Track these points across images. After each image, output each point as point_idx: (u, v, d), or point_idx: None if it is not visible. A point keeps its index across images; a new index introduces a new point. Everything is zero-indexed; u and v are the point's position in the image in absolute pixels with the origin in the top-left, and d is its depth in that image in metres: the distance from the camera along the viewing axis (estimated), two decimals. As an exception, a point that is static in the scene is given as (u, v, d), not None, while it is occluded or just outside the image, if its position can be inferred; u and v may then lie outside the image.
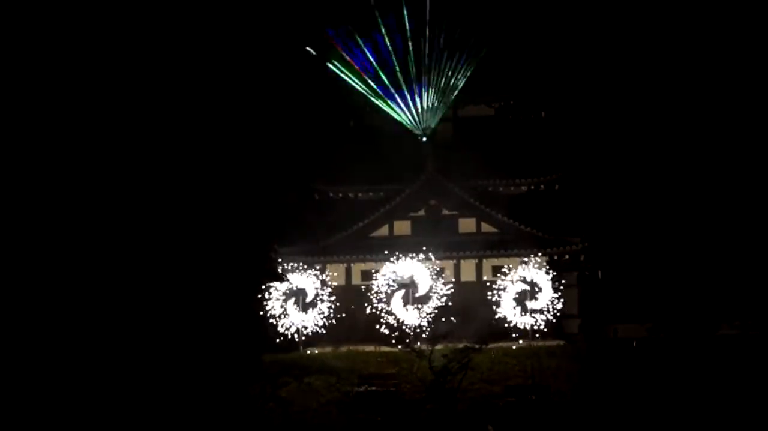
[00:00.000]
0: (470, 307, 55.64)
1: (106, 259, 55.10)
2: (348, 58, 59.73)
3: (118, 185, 58.03)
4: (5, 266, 52.32)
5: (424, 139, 60.67)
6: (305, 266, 56.33)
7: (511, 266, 55.91)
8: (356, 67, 59.69)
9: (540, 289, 54.66)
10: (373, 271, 56.95)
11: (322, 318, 55.53)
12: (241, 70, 65.02)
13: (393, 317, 55.04)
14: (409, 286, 55.21)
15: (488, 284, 56.02)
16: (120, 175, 58.60)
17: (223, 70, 64.86)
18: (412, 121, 60.10)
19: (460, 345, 50.50)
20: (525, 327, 54.63)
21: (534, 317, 54.68)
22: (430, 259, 55.77)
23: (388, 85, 59.68)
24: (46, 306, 51.92)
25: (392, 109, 60.04)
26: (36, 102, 58.78)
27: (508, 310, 54.69)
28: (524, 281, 54.88)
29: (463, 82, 59.91)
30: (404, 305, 55.04)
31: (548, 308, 54.59)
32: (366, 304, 55.66)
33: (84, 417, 45.30)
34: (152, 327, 52.66)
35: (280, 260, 57.13)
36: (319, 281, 56.05)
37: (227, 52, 65.28)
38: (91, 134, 59.43)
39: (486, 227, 59.22)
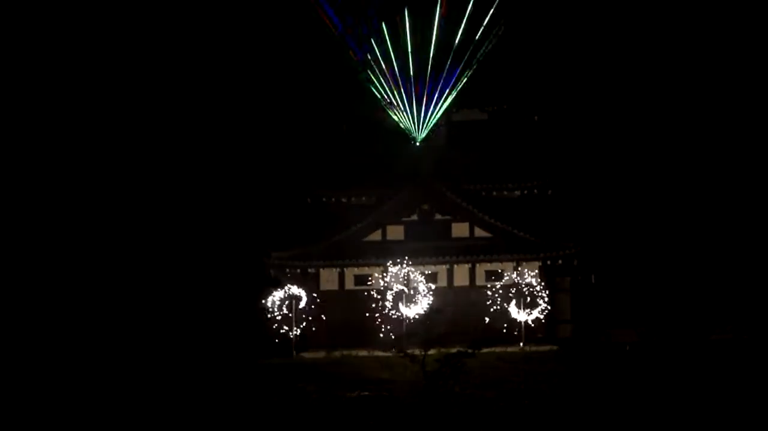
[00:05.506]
0: (463, 312, 55.65)
1: (105, 264, 55.21)
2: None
3: (116, 189, 58.12)
4: (5, 265, 52.42)
5: (417, 143, 60.70)
6: (299, 271, 56.27)
7: (504, 270, 55.85)
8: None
9: (533, 294, 54.63)
10: (367, 276, 56.93)
11: (315, 323, 55.49)
12: (236, 75, 65.14)
13: (386, 321, 54.99)
14: (402, 291, 55.11)
15: (481, 288, 56.02)
16: (118, 179, 58.69)
17: (218, 75, 65.00)
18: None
19: (453, 350, 50.23)
20: (518, 332, 54.57)
21: (527, 322, 54.66)
22: (422, 264, 55.71)
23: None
24: (45, 308, 52.04)
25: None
26: (36, 103, 58.89)
27: (501, 315, 54.65)
28: (517, 285, 54.84)
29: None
30: (397, 310, 54.96)
31: (541, 313, 54.60)
32: (359, 309, 55.61)
33: (80, 417, 45.26)
34: (148, 330, 52.75)
35: (273, 265, 57.11)
36: (312, 286, 55.97)
37: (223, 56, 65.43)
38: (86, 137, 59.52)
39: (479, 232, 59.19)
